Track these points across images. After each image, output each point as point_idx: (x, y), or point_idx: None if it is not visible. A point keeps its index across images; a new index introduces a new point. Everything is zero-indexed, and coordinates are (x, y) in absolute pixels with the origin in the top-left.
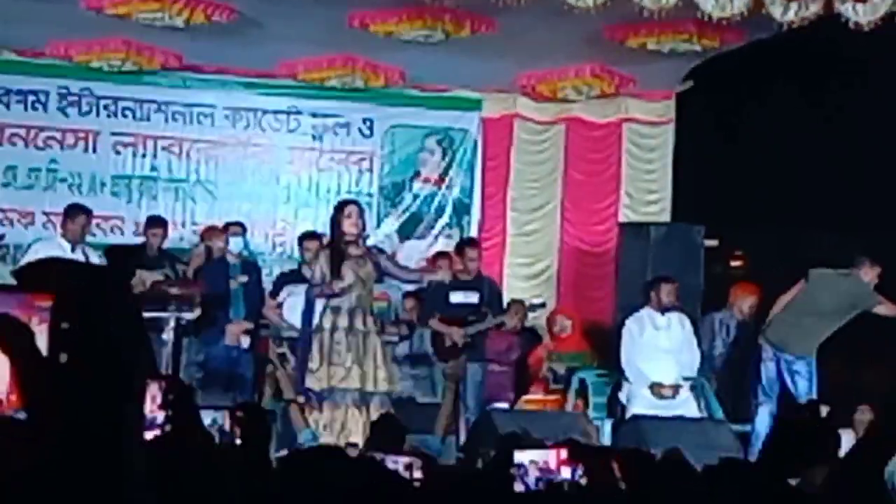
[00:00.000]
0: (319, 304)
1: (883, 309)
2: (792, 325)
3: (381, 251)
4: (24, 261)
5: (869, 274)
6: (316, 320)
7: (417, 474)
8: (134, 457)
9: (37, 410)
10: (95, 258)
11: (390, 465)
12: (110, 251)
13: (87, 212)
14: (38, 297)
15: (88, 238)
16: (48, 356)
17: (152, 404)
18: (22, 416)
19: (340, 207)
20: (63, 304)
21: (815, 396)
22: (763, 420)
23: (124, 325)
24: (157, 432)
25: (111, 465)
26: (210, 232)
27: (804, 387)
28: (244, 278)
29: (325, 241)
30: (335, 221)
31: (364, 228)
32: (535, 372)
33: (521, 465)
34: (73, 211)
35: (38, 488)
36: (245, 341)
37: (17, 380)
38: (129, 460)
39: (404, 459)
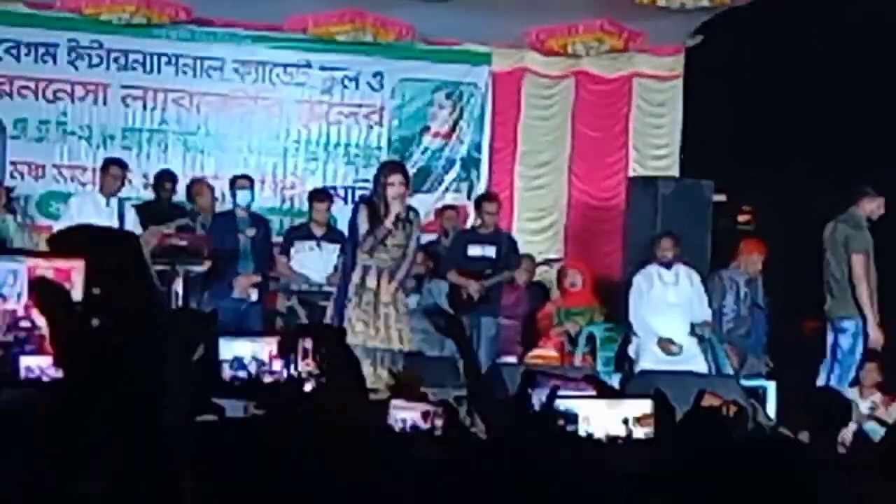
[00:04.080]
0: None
1: (857, 262)
2: (827, 291)
3: (417, 214)
4: (63, 215)
5: (868, 207)
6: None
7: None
8: (174, 424)
9: (72, 370)
10: (130, 211)
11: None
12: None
13: (122, 165)
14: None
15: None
16: (81, 320)
17: (304, 357)
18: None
19: (385, 171)
20: (95, 271)
21: (859, 353)
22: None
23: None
24: (312, 384)
25: (142, 426)
26: (198, 186)
27: (847, 344)
28: (252, 232)
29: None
30: (378, 182)
31: (406, 194)
32: (543, 327)
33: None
34: (107, 164)
35: (71, 444)
36: (253, 294)
37: (53, 339)
38: (173, 429)
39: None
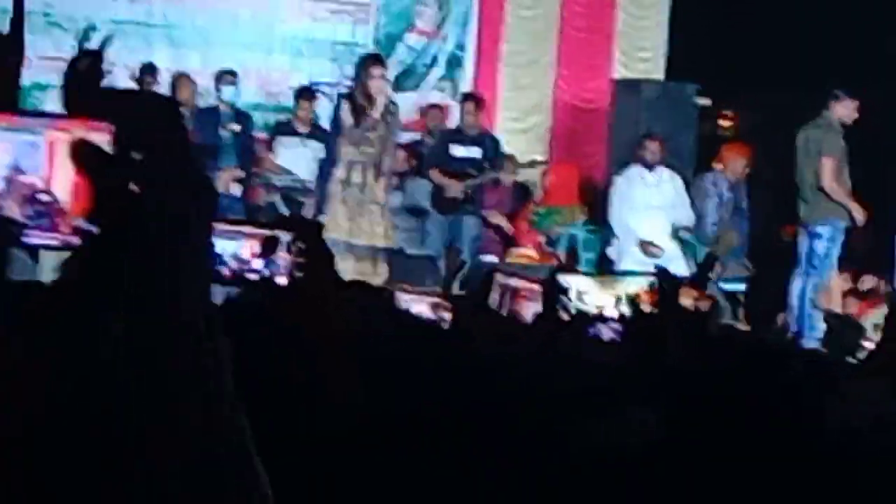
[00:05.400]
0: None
1: (828, 164)
2: (801, 197)
3: (396, 106)
4: (44, 106)
5: (841, 111)
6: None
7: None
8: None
9: (110, 231)
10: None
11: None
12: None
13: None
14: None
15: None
16: (120, 184)
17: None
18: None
19: (366, 65)
20: (135, 134)
21: (835, 258)
22: (793, 291)
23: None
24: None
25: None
26: (181, 80)
27: (823, 249)
28: (236, 127)
29: (339, 90)
30: (359, 75)
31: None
32: (523, 226)
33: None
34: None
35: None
36: (236, 189)
37: (94, 198)
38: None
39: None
